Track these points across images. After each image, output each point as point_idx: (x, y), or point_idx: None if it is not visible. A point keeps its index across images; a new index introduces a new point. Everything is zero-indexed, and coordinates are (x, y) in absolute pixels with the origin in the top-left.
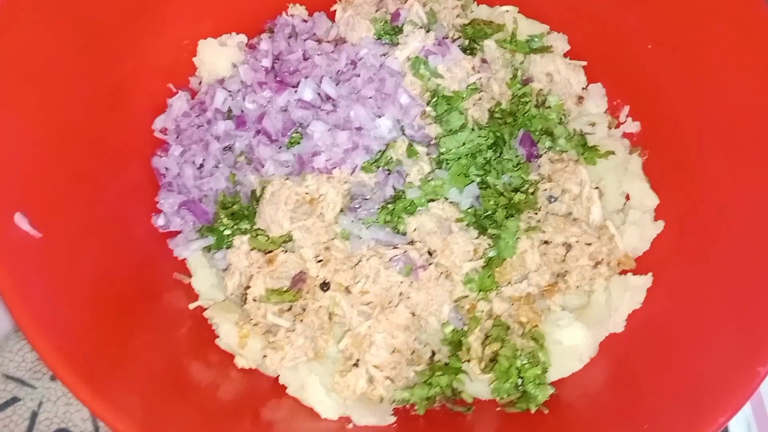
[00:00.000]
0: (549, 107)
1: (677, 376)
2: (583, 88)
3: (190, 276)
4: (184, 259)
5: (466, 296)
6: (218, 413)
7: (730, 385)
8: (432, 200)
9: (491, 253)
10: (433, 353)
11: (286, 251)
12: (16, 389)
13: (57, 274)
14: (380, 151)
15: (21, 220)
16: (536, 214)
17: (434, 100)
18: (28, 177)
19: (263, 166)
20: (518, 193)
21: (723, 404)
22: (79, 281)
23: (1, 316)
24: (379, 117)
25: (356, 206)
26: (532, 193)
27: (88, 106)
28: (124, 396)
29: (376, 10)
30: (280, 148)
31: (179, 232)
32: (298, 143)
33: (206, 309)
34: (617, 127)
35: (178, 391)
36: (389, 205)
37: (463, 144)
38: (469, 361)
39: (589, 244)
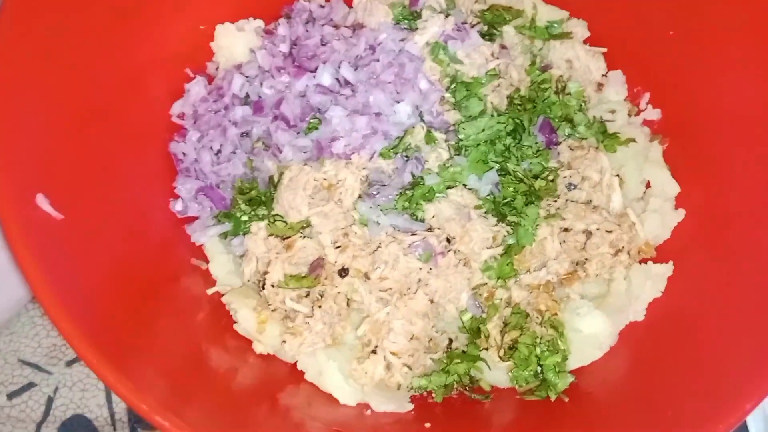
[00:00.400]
0: (569, 94)
1: (699, 365)
2: (602, 75)
3: (207, 262)
4: (202, 244)
5: (485, 284)
6: (237, 398)
7: (753, 373)
8: (450, 187)
9: (510, 241)
10: (450, 341)
11: (305, 237)
12: (32, 374)
13: (79, 256)
14: (398, 137)
15: (43, 202)
16: (555, 201)
17: (453, 86)
18: (50, 159)
19: (281, 152)
20: (538, 180)
21: (747, 392)
22: (100, 263)
23: (16, 287)
24: (398, 102)
25: (374, 192)
26: (552, 181)
27: (107, 90)
28: (147, 377)
29: None
30: (298, 133)
31: (197, 218)
32: (317, 129)
33: (224, 294)
34: (637, 114)
35: (198, 375)
36: (407, 192)
37: (483, 130)
38: (487, 348)
39: (610, 232)
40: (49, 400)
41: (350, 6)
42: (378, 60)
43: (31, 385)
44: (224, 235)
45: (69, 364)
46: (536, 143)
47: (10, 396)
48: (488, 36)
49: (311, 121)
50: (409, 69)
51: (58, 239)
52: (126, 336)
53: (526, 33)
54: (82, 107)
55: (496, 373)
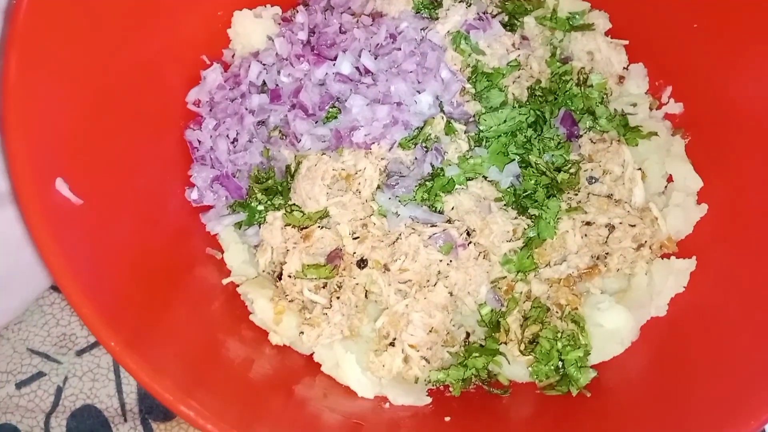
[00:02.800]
0: (591, 86)
1: (724, 361)
2: (624, 68)
3: (222, 251)
4: (217, 234)
5: (504, 277)
6: (254, 389)
7: None
8: (470, 179)
9: (531, 234)
10: (468, 335)
11: (322, 227)
12: (41, 364)
13: (97, 241)
14: (418, 127)
15: (62, 186)
16: (576, 194)
17: (474, 76)
18: (69, 144)
19: (299, 141)
20: (561, 172)
21: None
22: (117, 250)
23: (23, 285)
24: (419, 92)
25: (393, 183)
26: (574, 173)
27: (125, 76)
28: (167, 365)
29: None
30: (316, 122)
31: (212, 207)
32: (335, 117)
33: (238, 285)
34: (659, 108)
35: (214, 365)
36: (427, 183)
37: (504, 121)
38: (506, 342)
39: (633, 226)
40: (59, 390)
41: None
42: (399, 49)
43: (40, 375)
44: (239, 225)
45: (79, 353)
46: (558, 135)
47: (19, 385)
48: (509, 26)
49: (330, 110)
50: (431, 58)
51: (77, 224)
52: (145, 323)
53: (547, 24)
54: (100, 93)
55: (514, 367)
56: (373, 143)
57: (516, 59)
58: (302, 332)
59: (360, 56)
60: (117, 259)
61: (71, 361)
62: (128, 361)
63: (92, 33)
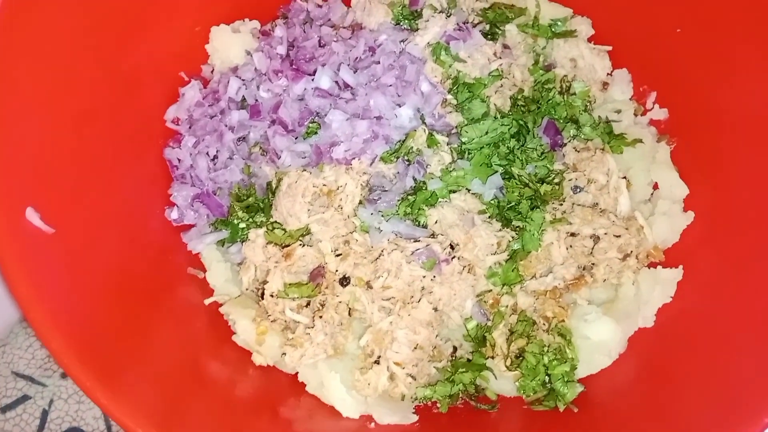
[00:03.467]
0: (574, 94)
1: (712, 372)
2: (607, 74)
3: (204, 270)
4: (198, 253)
5: (490, 290)
6: (236, 412)
7: None
8: (453, 191)
9: (515, 246)
10: (455, 349)
11: (304, 245)
12: (26, 387)
13: (71, 271)
14: (399, 141)
15: (33, 216)
16: (561, 204)
17: (455, 87)
18: (39, 170)
19: (279, 157)
20: (544, 183)
21: (765, 403)
22: (93, 277)
23: (5, 307)
24: (400, 106)
25: (376, 198)
26: (558, 184)
27: (99, 95)
28: (142, 397)
29: None
30: (296, 138)
31: (193, 226)
32: (316, 133)
33: (222, 305)
34: (644, 114)
35: (195, 389)
36: (409, 197)
37: (486, 133)
38: (493, 357)
39: (618, 236)
40: (44, 413)
41: (348, 6)
42: (378, 62)
43: (25, 398)
44: (221, 243)
45: (64, 375)
46: (541, 145)
47: (4, 409)
48: (490, 35)
49: (310, 125)
50: (410, 71)
51: (48, 255)
52: (120, 354)
53: (529, 31)
54: (74, 113)
55: (501, 382)
56: (354, 158)
57: (498, 69)
58: (284, 353)
59: (339, 70)
60: (93, 286)
61: (56, 384)
62: (99, 396)
63: (65, 52)
